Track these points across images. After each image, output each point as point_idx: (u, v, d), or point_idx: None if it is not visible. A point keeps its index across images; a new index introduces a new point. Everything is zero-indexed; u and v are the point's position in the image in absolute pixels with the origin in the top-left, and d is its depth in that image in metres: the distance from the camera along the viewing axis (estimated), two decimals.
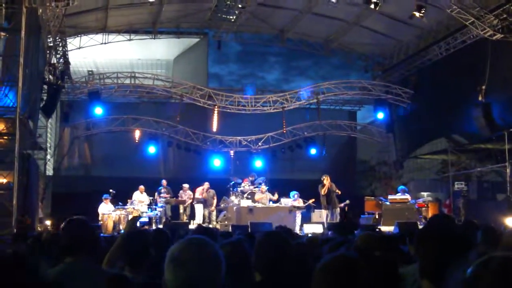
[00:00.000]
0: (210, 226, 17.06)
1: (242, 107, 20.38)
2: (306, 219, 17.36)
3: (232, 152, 21.11)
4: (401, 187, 17.39)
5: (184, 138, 20.50)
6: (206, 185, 18.31)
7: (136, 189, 17.53)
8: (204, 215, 17.99)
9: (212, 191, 18.30)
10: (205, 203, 18.13)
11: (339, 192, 16.08)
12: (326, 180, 16.06)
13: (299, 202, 17.23)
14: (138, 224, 4.19)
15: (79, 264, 3.22)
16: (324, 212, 16.16)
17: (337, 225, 12.01)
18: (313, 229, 14.53)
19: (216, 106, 19.80)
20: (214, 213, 18.18)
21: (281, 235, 3.34)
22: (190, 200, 18.57)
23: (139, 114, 20.59)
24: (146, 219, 16.06)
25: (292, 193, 17.50)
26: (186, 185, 18.67)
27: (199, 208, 18.32)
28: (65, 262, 3.28)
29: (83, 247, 3.27)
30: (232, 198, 18.00)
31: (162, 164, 22.55)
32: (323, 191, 16.00)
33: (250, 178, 19.08)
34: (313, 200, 17.07)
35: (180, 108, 19.60)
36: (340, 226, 10.72)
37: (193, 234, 3.58)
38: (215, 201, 18.22)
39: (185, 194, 18.61)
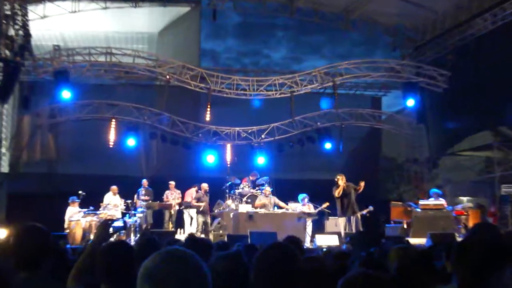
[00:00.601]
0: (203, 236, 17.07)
1: (241, 92, 20.41)
2: (319, 228, 17.37)
3: (229, 146, 21.13)
4: (434, 190, 17.38)
5: (171, 128, 20.54)
6: (205, 186, 18.38)
7: (109, 190, 17.64)
8: (198, 223, 17.97)
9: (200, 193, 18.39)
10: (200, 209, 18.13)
11: (360, 189, 15.90)
12: (341, 180, 16.03)
13: (310, 208, 17.24)
14: (111, 230, 4.14)
15: (36, 281, 3.17)
16: (340, 220, 16.12)
17: (357, 236, 11.95)
18: (327, 240, 14.57)
19: (210, 90, 19.78)
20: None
21: (287, 248, 3.27)
22: (179, 201, 18.61)
23: (115, 99, 20.58)
24: (121, 223, 16.06)
25: (300, 196, 17.54)
26: (172, 183, 18.85)
27: (190, 214, 18.35)
28: (19, 278, 3.22)
29: (41, 260, 3.21)
30: (229, 202, 18.04)
31: (143, 160, 22.63)
32: (336, 193, 15.96)
33: (251, 178, 19.15)
34: (327, 204, 17.11)
35: (166, 92, 19.61)
36: (361, 238, 10.67)
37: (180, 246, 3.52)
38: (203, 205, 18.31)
39: (172, 195, 18.72)
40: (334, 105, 20.67)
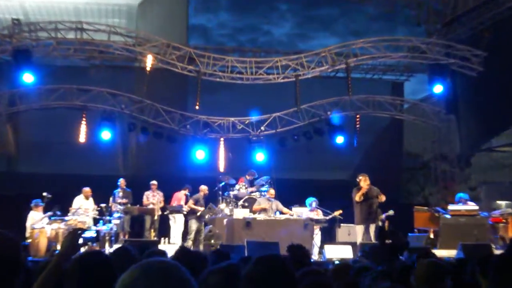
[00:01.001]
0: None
1: (237, 75, 20.42)
2: (329, 237, 17.34)
3: (222, 140, 21.16)
4: (461, 195, 17.27)
5: (153, 118, 20.55)
6: (205, 189, 18.42)
7: (80, 192, 17.59)
8: (190, 230, 18.01)
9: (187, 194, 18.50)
10: (197, 214, 18.20)
11: (383, 199, 15.98)
12: (364, 182, 15.99)
13: (318, 214, 17.22)
14: (81, 240, 4.12)
15: None
16: (358, 228, 16.11)
17: (374, 247, 11.95)
18: (338, 252, 14.61)
19: (200, 73, 19.78)
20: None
21: (278, 262, 3.24)
22: (162, 205, 18.75)
23: (87, 84, 20.55)
24: (93, 233, 16.04)
25: (308, 201, 17.57)
26: (155, 183, 18.90)
27: (179, 220, 18.43)
28: None
29: (13, 277, 3.20)
30: (222, 206, 18.07)
31: (120, 157, 22.70)
32: (357, 197, 15.95)
33: (248, 178, 19.16)
34: (340, 212, 17.18)
35: (147, 75, 19.58)
36: (378, 249, 10.65)
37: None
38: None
39: (154, 197, 18.78)
40: (347, 91, 20.64)
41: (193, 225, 17.97)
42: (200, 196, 18.29)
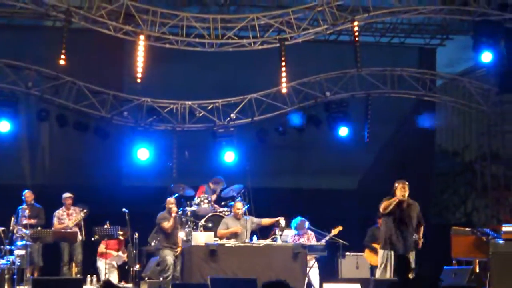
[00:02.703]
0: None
1: (196, 39, 20.30)
2: (329, 271, 17.24)
3: (175, 133, 21.13)
4: None
5: (75, 102, 20.47)
6: (172, 202, 17.94)
7: None
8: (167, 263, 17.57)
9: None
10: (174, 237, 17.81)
11: (420, 231, 15.73)
12: (399, 191, 15.66)
13: (310, 238, 17.18)
14: None
15: None
16: (380, 255, 15.85)
17: (393, 285, 11.94)
18: None
19: (142, 37, 19.55)
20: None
21: None
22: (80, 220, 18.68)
23: None
24: None
25: (295, 222, 17.69)
26: (68, 195, 18.93)
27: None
28: None
29: None
30: None
31: (26, 158, 22.50)
32: (382, 206, 15.63)
33: (212, 187, 19.10)
34: (339, 229, 17.29)
35: (65, 39, 19.31)
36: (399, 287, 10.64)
37: None
38: None
39: (69, 216, 18.82)
40: (355, 63, 20.56)
41: (168, 256, 17.48)
42: (166, 215, 17.78)
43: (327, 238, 17.26)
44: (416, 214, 15.69)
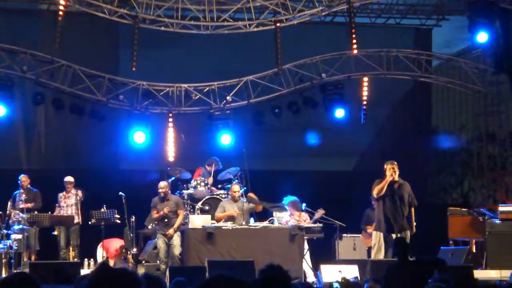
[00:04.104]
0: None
1: (192, 22, 20.36)
2: (325, 252, 17.35)
3: (171, 116, 21.11)
4: None
5: (70, 86, 20.47)
6: (164, 187, 17.78)
7: None
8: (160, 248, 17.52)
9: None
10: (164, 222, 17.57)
11: (412, 213, 15.77)
12: (389, 171, 15.73)
13: (300, 219, 17.20)
14: None
15: None
16: (374, 237, 15.94)
17: (392, 267, 11.94)
18: (340, 274, 14.47)
19: (137, 20, 19.61)
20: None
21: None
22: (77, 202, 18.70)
23: None
24: None
25: (287, 200, 17.54)
26: (70, 179, 18.81)
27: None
28: None
29: None
30: None
31: (22, 142, 22.45)
32: (375, 190, 15.71)
33: (208, 169, 19.06)
34: (322, 212, 17.29)
35: (60, 23, 19.36)
36: (397, 269, 10.65)
37: None
38: None
39: (69, 198, 18.73)
40: (348, 44, 20.56)
41: (161, 242, 17.34)
42: (157, 201, 17.55)
43: (314, 218, 17.23)
44: (408, 194, 15.76)
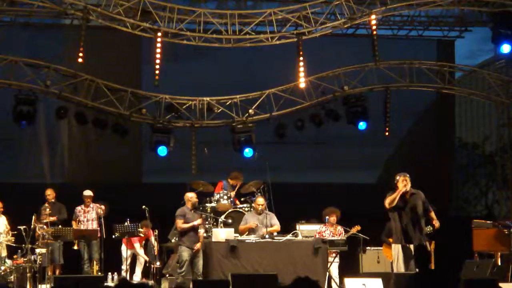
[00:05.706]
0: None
1: (214, 35, 20.35)
2: (350, 266, 17.41)
3: (194, 129, 21.08)
4: None
5: (93, 100, 20.47)
6: (192, 198, 17.29)
7: None
8: (182, 259, 17.23)
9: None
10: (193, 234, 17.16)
11: (432, 215, 15.66)
12: (402, 183, 15.70)
13: (335, 232, 17.25)
14: None
15: None
16: (394, 250, 15.87)
17: (413, 279, 11.84)
18: (363, 286, 14.62)
19: (159, 33, 19.58)
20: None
21: None
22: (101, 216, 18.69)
23: None
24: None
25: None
26: (89, 194, 18.80)
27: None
28: None
29: None
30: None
31: (45, 157, 22.52)
32: (386, 202, 15.65)
33: (232, 183, 19.02)
34: (358, 228, 17.34)
35: (83, 37, 19.40)
36: (418, 281, 10.57)
37: None
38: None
39: (88, 213, 18.84)
40: (372, 56, 20.54)
41: (185, 254, 17.01)
42: (186, 210, 17.38)
43: (347, 234, 17.22)
44: (421, 202, 15.65)
